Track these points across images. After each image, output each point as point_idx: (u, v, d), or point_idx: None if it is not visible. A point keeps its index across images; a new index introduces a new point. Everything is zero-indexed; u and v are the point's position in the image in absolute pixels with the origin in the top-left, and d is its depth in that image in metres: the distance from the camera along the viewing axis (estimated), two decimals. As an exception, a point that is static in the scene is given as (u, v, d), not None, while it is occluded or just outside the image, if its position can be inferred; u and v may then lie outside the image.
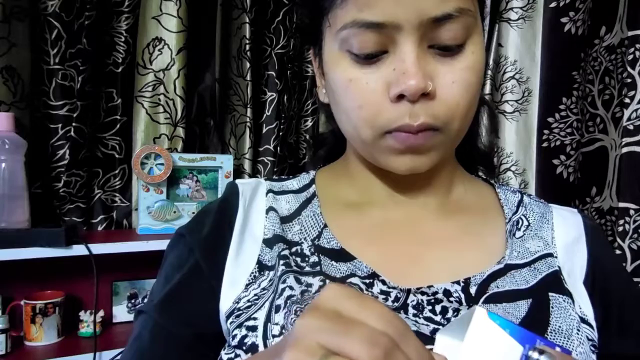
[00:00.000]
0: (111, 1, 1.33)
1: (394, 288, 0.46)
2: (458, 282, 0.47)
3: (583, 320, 0.47)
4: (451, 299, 0.46)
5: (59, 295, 1.23)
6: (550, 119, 1.44)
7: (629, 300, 0.52)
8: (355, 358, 0.25)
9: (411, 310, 0.45)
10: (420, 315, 0.45)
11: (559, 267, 0.50)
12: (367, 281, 0.47)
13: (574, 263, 0.51)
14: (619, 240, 1.24)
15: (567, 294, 0.48)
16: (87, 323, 1.25)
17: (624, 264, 1.24)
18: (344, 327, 0.27)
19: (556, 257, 0.51)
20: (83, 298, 1.32)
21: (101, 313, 1.28)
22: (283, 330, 0.43)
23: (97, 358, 1.15)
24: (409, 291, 0.46)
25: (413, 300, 0.46)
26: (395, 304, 0.45)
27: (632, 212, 1.24)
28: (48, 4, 1.22)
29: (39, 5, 1.23)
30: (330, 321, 0.27)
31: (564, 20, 1.41)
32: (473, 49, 0.44)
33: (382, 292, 0.46)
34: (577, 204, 1.42)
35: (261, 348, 0.42)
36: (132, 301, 1.38)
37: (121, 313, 1.36)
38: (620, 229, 1.24)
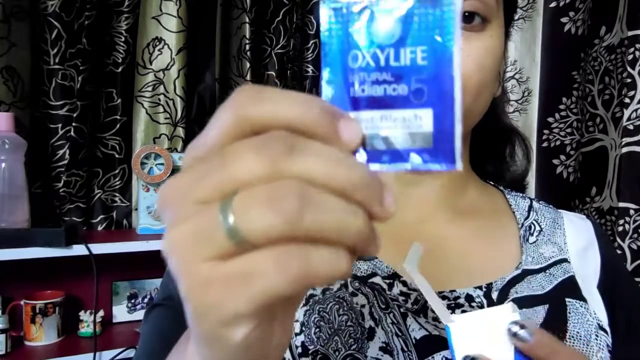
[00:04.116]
0: (111, 1, 1.33)
1: (414, 290, 0.46)
2: (480, 287, 0.47)
3: (599, 327, 0.47)
4: (473, 304, 0.46)
5: (59, 295, 1.23)
6: (550, 119, 1.44)
7: (636, 303, 0.52)
8: (243, 178, 0.20)
9: (430, 314, 0.45)
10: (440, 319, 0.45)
11: (573, 272, 0.50)
12: (388, 281, 0.47)
13: (587, 269, 0.51)
14: (619, 240, 1.24)
15: (583, 300, 0.48)
16: (87, 323, 1.25)
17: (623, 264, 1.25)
18: (215, 164, 0.21)
19: (570, 262, 0.51)
20: (83, 298, 1.32)
21: (101, 313, 1.27)
22: (303, 328, 0.43)
23: (97, 358, 1.15)
24: None
25: None
26: (415, 306, 0.46)
27: (632, 212, 1.24)
28: (48, 4, 1.22)
29: (39, 5, 1.23)
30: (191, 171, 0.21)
31: (564, 20, 1.41)
32: (492, 33, 0.46)
33: (402, 293, 0.46)
34: (577, 204, 1.42)
35: None
36: (132, 301, 1.38)
37: (121, 313, 1.36)
38: (620, 229, 1.24)
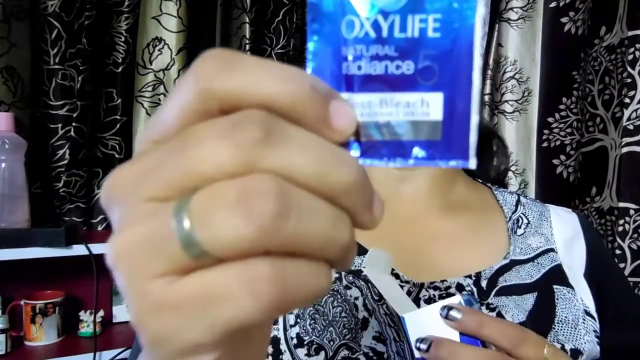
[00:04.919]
0: (111, 1, 1.33)
1: (407, 282, 0.48)
2: (470, 276, 0.49)
3: (586, 313, 0.49)
4: (463, 292, 0.48)
5: (59, 295, 1.23)
6: (550, 119, 1.44)
7: (625, 293, 0.56)
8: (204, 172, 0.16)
9: (423, 305, 0.47)
10: None
11: (560, 261, 0.53)
12: None
13: (574, 257, 0.54)
14: (619, 240, 1.24)
15: (570, 287, 0.50)
16: (87, 323, 1.24)
17: (623, 264, 1.25)
18: (175, 149, 0.16)
19: (557, 252, 0.54)
20: (83, 298, 1.32)
21: (101, 313, 1.27)
22: (298, 320, 0.44)
23: (97, 358, 1.15)
24: (421, 286, 0.48)
25: (425, 295, 0.47)
26: None
27: (632, 212, 1.24)
28: (48, 4, 1.22)
29: (39, 5, 1.23)
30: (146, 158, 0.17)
31: (564, 20, 1.41)
32: None
33: None
34: (577, 204, 1.42)
35: (282, 340, 0.44)
36: (132, 301, 1.38)
37: (121, 313, 1.36)
38: (620, 229, 1.24)
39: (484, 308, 0.47)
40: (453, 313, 0.35)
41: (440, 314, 0.35)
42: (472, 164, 0.19)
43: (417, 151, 0.19)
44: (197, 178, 0.15)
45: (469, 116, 0.18)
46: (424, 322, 0.36)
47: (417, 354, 0.36)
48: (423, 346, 0.35)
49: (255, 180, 0.15)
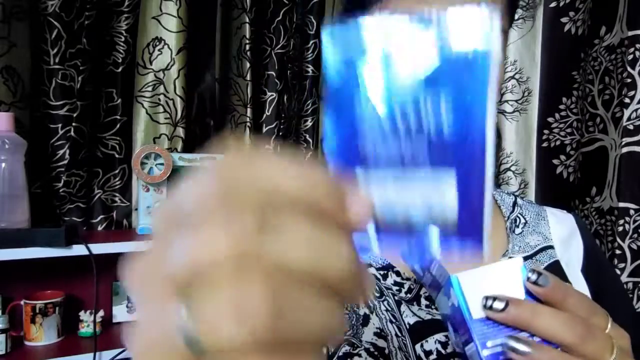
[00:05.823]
0: (111, 1, 1.33)
1: (407, 280, 0.49)
2: None
3: None
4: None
5: (59, 295, 1.23)
6: (550, 119, 1.44)
7: (618, 289, 0.58)
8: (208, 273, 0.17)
9: (423, 302, 0.48)
10: (433, 306, 0.48)
11: (558, 258, 0.54)
12: (382, 272, 0.49)
13: (571, 254, 0.55)
14: (619, 240, 1.24)
15: (568, 282, 0.52)
16: (87, 323, 1.24)
17: (623, 264, 1.25)
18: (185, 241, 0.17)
19: (554, 249, 0.55)
20: (83, 298, 1.32)
21: (101, 313, 1.27)
22: None
23: (97, 358, 1.15)
24: (422, 284, 0.48)
25: (425, 292, 0.48)
26: (408, 295, 0.48)
27: (632, 212, 1.24)
28: (48, 4, 1.22)
29: (39, 5, 1.23)
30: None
31: (564, 20, 1.41)
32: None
33: (395, 283, 0.49)
34: (577, 204, 1.42)
35: None
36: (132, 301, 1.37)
37: (121, 313, 1.36)
38: (620, 229, 1.24)
39: None
40: (542, 280, 0.33)
41: (529, 277, 0.33)
42: (485, 249, 0.19)
43: (432, 237, 0.19)
44: (197, 268, 0.16)
45: (482, 196, 0.19)
46: (478, 283, 0.33)
47: (475, 315, 0.33)
48: (497, 305, 0.32)
49: (251, 279, 0.16)
